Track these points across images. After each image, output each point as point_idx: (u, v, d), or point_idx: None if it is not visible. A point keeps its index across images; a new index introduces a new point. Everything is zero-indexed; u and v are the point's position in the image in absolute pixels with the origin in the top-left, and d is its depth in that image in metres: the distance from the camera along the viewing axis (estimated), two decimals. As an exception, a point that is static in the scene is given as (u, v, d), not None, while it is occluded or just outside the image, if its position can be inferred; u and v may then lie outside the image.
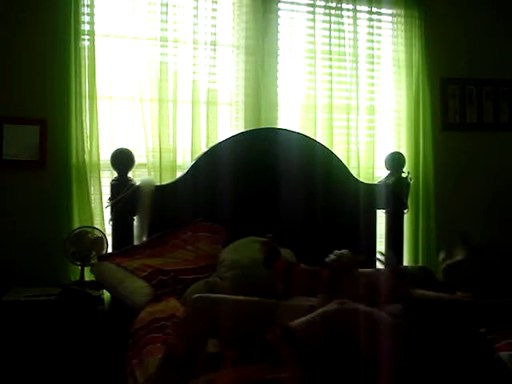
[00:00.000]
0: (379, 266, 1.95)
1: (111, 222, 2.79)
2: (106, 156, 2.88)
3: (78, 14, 2.86)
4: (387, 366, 1.42)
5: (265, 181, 2.98)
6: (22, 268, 2.79)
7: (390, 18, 3.49)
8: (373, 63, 3.40)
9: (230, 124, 3.20)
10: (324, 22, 3.29)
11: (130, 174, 2.83)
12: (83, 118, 2.85)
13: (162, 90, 2.99)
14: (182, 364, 1.64)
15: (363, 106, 3.38)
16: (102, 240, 2.78)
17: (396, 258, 2.43)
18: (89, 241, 2.75)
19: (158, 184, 2.92)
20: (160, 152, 2.98)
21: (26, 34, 2.86)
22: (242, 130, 3.16)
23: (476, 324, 1.68)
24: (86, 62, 2.87)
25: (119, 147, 2.83)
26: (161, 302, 2.34)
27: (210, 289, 2.42)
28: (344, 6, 3.32)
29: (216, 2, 3.11)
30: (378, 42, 3.44)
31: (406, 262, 3.33)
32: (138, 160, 2.88)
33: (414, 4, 3.47)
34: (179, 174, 2.98)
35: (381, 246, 3.25)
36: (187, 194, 2.83)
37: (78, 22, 2.86)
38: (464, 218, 3.52)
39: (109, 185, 2.81)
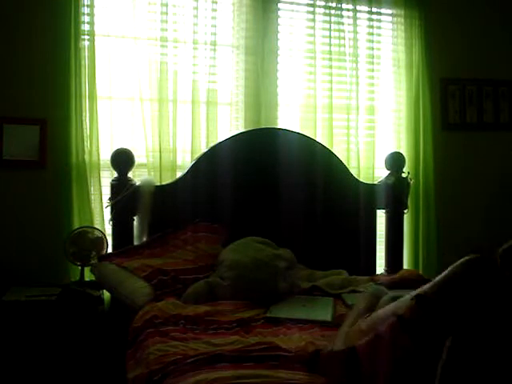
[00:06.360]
0: None
1: (111, 222, 2.78)
2: (106, 156, 2.88)
3: (77, 14, 2.86)
4: None
5: (265, 181, 2.98)
6: (22, 268, 2.79)
7: (389, 18, 3.49)
8: (373, 63, 3.40)
9: (229, 124, 3.20)
10: (324, 22, 3.29)
11: (130, 174, 2.83)
12: (83, 118, 2.85)
13: (162, 90, 2.99)
14: None
15: (363, 106, 3.38)
16: (102, 240, 2.78)
17: None
18: (89, 241, 2.75)
19: (158, 184, 2.92)
20: (160, 152, 2.98)
21: (26, 34, 2.86)
22: (241, 129, 3.16)
23: None
24: (85, 62, 2.86)
25: (119, 147, 2.82)
26: (161, 301, 2.34)
27: (211, 289, 2.42)
28: (344, 6, 3.31)
29: (216, 2, 3.10)
30: (378, 42, 3.44)
31: (406, 262, 3.33)
32: (137, 160, 2.87)
33: (413, 4, 3.47)
34: (179, 174, 2.98)
35: (381, 246, 3.25)
36: (187, 194, 2.83)
37: (77, 22, 2.86)
38: (464, 218, 3.54)
39: (109, 185, 2.81)
